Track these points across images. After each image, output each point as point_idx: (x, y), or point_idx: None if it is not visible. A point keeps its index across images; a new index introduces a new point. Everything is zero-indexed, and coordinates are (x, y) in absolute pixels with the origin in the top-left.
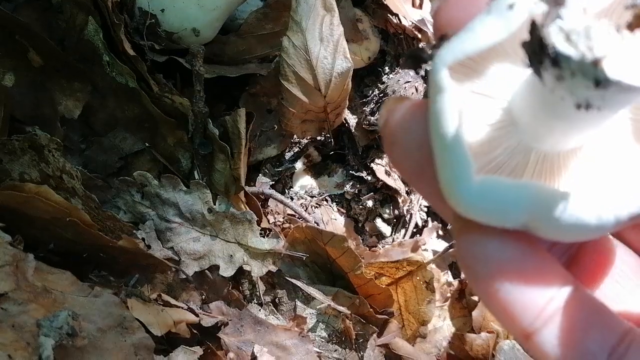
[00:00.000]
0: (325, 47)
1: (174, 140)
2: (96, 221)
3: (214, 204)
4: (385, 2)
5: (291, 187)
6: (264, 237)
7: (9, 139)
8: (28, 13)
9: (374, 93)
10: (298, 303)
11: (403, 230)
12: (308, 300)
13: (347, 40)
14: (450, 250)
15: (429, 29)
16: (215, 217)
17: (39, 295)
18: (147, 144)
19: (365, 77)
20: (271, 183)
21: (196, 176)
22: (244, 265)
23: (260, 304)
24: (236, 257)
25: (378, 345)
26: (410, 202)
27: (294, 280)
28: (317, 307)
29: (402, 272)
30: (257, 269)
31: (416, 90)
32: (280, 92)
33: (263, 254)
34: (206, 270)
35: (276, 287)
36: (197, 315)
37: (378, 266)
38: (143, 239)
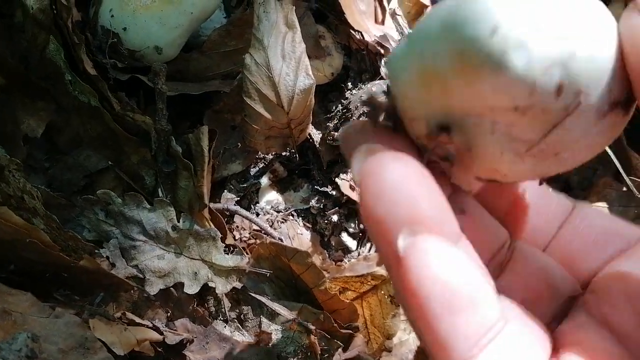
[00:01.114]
0: (288, 64)
1: (137, 158)
2: (57, 241)
3: (178, 222)
4: (347, 19)
5: (257, 202)
6: (228, 254)
7: None
8: None
9: (338, 109)
10: (263, 319)
11: (368, 244)
12: (273, 316)
13: (309, 57)
14: None
15: (391, 45)
16: (179, 234)
17: None
18: (110, 162)
19: (329, 93)
20: (237, 199)
21: (160, 194)
22: (208, 282)
23: (226, 321)
24: (201, 275)
25: None
26: None
27: (258, 296)
28: (282, 323)
29: (367, 286)
30: (222, 286)
31: None
32: (244, 109)
33: (227, 270)
34: (171, 288)
35: (241, 304)
36: (161, 333)
37: (343, 280)
38: (107, 258)
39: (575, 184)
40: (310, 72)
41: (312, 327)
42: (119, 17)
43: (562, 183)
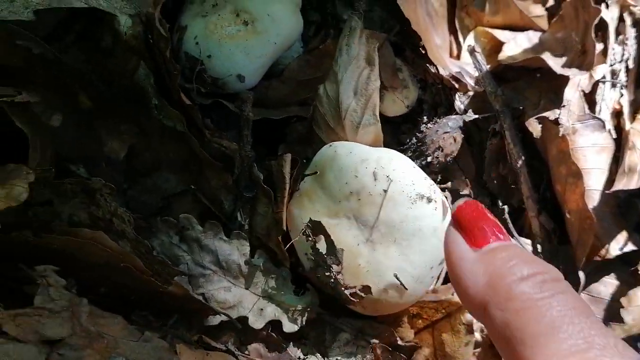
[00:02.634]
0: (357, 101)
1: (218, 183)
2: (147, 266)
3: (252, 257)
4: (424, 52)
5: None
6: (298, 294)
7: (61, 182)
8: (76, 54)
9: (412, 141)
10: (327, 336)
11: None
12: (336, 332)
13: (386, 88)
14: None
15: (467, 80)
16: (250, 269)
17: (94, 340)
18: (192, 186)
19: (402, 125)
20: None
21: (239, 218)
22: (275, 319)
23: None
24: (267, 312)
25: None
26: None
27: (326, 316)
28: (345, 338)
29: (440, 314)
30: (289, 326)
31: (454, 140)
32: (313, 139)
33: (296, 310)
34: None
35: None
36: (237, 358)
37: (418, 306)
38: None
39: None
40: (377, 114)
41: (376, 341)
42: (203, 45)
43: (634, 225)
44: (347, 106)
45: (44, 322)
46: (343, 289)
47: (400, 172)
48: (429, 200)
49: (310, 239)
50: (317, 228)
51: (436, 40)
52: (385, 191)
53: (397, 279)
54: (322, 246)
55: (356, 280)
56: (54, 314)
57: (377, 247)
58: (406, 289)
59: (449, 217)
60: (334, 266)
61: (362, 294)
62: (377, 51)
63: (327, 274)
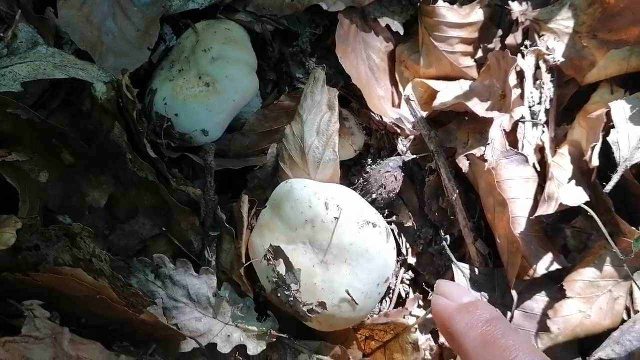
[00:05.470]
0: (319, 139)
1: (187, 225)
2: (122, 298)
3: (219, 289)
4: (367, 104)
5: None
6: (260, 320)
7: (46, 229)
8: (60, 117)
9: (360, 181)
10: (288, 358)
11: (388, 300)
12: (295, 354)
13: None
14: (429, 316)
15: (405, 125)
16: (218, 301)
17: None
18: (164, 229)
19: (352, 167)
20: None
21: (206, 255)
22: (241, 344)
23: None
24: (233, 337)
25: None
26: (394, 276)
27: (283, 335)
28: (304, 359)
29: (390, 335)
30: (253, 348)
31: (395, 178)
32: (278, 172)
33: (259, 335)
34: None
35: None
36: None
37: (369, 329)
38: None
39: (572, 247)
40: (337, 150)
41: None
42: (171, 105)
43: (561, 247)
44: (310, 143)
45: (30, 347)
46: (301, 305)
47: (348, 202)
48: (374, 225)
49: (270, 262)
50: (276, 252)
51: (379, 92)
52: (336, 218)
53: (349, 294)
54: (282, 269)
55: (313, 298)
56: (38, 340)
57: (330, 267)
58: (357, 303)
59: (391, 239)
60: (293, 285)
61: (319, 310)
62: (337, 98)
63: (287, 292)
